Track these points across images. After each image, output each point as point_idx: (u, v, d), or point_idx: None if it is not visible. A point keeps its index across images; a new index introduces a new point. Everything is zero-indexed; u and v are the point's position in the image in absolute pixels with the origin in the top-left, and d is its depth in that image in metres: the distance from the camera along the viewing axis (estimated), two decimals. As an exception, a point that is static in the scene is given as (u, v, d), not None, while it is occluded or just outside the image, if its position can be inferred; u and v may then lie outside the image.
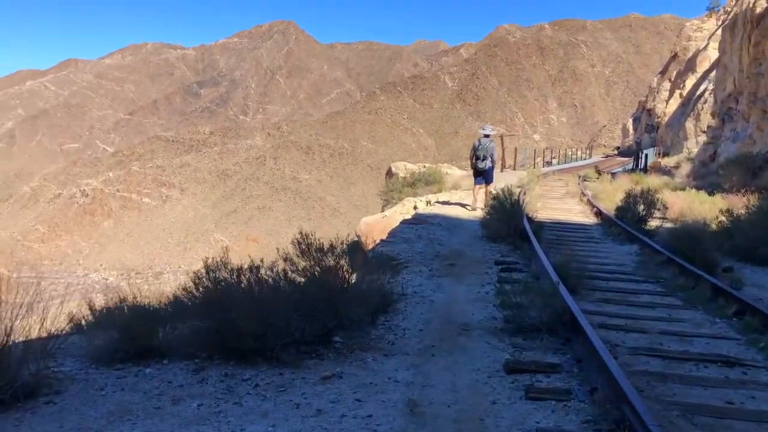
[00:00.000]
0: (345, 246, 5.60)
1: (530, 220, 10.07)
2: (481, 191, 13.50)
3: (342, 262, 5.20)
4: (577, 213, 14.12)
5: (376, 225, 16.49)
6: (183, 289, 4.50)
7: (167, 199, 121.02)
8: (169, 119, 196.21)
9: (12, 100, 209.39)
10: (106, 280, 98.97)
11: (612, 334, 4.99)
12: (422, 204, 16.70)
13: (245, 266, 4.63)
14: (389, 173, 25.68)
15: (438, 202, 15.93)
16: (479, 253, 8.37)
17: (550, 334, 4.76)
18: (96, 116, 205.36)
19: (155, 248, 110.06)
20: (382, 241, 9.64)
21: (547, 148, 62.95)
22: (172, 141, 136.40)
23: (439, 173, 22.96)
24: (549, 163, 44.92)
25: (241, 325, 3.92)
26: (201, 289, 4.29)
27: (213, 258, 4.72)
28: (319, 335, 4.31)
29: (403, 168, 25.22)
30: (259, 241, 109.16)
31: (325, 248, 5.34)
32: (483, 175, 13.29)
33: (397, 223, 14.95)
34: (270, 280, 4.49)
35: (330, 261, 5.19)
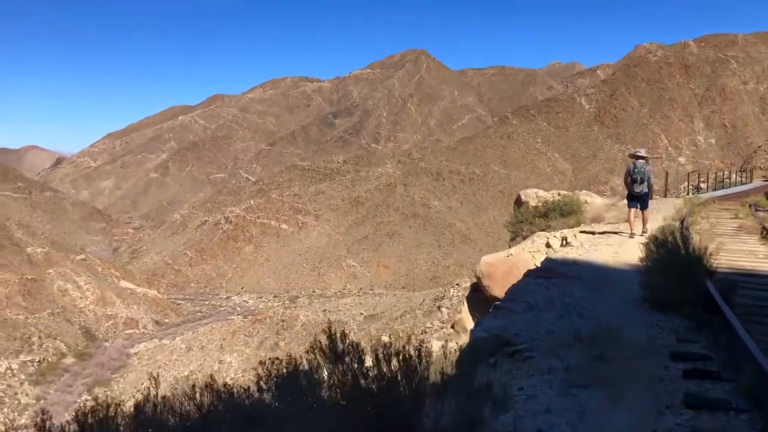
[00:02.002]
0: (419, 352, 3.16)
1: (709, 272, 7.10)
2: (638, 219, 12.86)
3: (405, 386, 2.82)
4: (767, 258, 10.68)
5: (499, 266, 13.88)
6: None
7: (303, 226, 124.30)
8: (306, 149, 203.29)
9: (166, 133, 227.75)
10: (246, 302, 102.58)
11: None
12: (556, 241, 13.87)
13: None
14: (518, 201, 22.77)
15: (587, 231, 13.09)
16: (642, 333, 5.55)
17: None
18: (239, 147, 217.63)
19: (291, 273, 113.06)
20: (495, 306, 7.09)
21: (693, 172, 56.70)
22: (308, 170, 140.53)
23: (577, 202, 19.79)
24: (698, 189, 39.75)
25: None
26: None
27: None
28: None
29: (534, 196, 22.22)
30: (390, 267, 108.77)
31: (381, 354, 2.99)
32: (639, 200, 12.73)
33: (523, 268, 12.27)
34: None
35: (389, 369, 2.84)
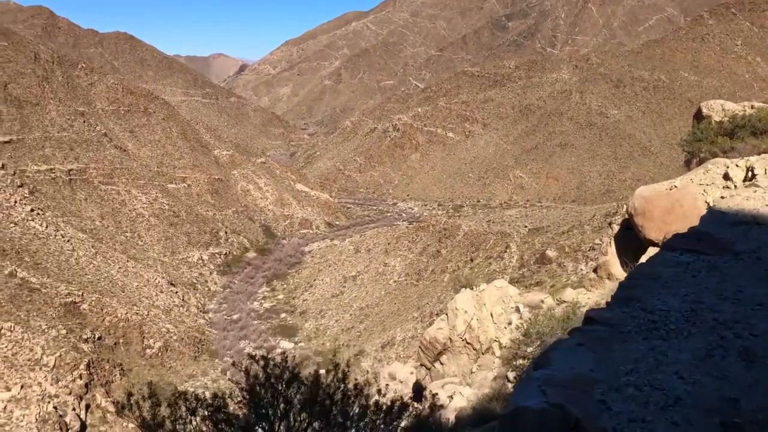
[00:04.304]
0: None
1: None
2: None
3: None
4: None
5: (658, 201, 11.22)
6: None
7: (470, 135, 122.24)
8: (477, 54, 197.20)
9: (339, 41, 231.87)
10: (412, 209, 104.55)
11: None
12: (738, 172, 10.63)
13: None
14: (698, 115, 18.95)
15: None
16: None
17: None
18: (409, 53, 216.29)
19: (456, 182, 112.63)
20: (587, 319, 4.32)
21: None
22: (477, 76, 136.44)
23: (775, 118, 15.87)
24: None
25: None
26: None
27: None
28: None
29: (719, 108, 18.15)
30: (560, 179, 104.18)
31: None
32: None
33: (690, 207, 9.78)
34: None
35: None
